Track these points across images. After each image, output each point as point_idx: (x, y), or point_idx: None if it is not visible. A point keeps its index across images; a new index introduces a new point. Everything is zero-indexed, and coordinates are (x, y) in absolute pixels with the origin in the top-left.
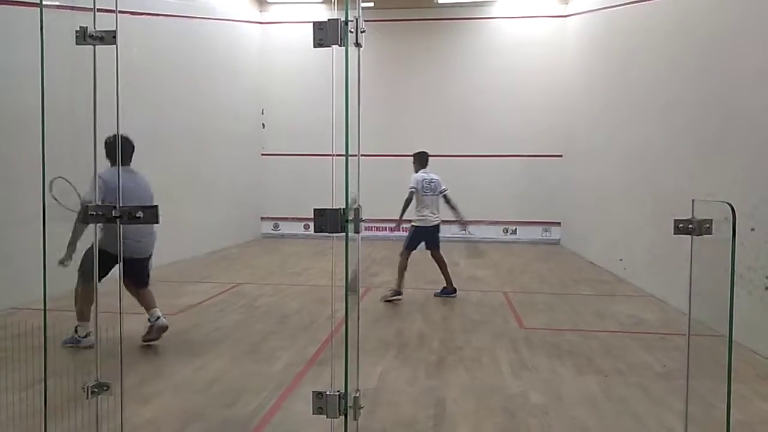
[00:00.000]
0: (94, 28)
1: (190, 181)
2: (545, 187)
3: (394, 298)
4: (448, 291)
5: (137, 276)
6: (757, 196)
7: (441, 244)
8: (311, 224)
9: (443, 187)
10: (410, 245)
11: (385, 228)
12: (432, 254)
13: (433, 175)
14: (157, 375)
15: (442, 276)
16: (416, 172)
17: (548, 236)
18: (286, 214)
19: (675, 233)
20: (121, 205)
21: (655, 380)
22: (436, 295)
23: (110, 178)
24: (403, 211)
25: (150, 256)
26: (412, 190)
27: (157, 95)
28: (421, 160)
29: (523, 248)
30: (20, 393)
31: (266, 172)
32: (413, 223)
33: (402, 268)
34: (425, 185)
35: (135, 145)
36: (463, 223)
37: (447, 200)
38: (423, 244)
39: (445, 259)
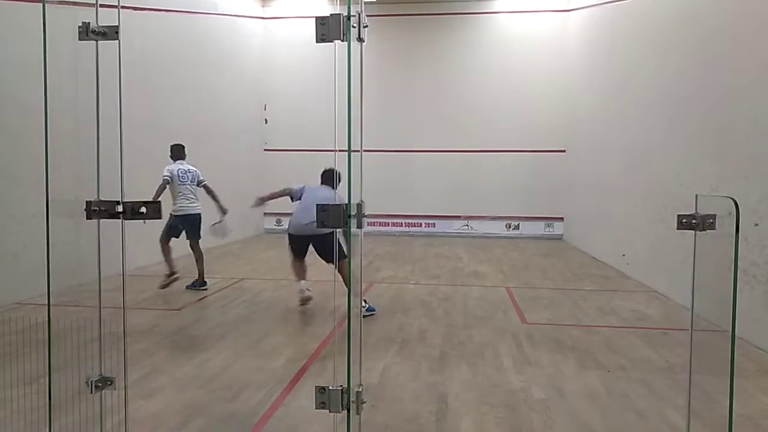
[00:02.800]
0: (97, 23)
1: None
2: (548, 183)
3: (170, 280)
4: (199, 283)
5: (321, 254)
6: (761, 191)
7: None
8: None
9: (201, 178)
10: (168, 233)
11: (388, 223)
12: (190, 245)
13: (189, 167)
14: (161, 370)
15: (197, 267)
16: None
17: (551, 231)
18: (288, 209)
19: (678, 228)
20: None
21: (657, 375)
22: (187, 287)
23: None
24: (156, 195)
25: (322, 236)
26: (166, 178)
27: (159, 91)
28: (176, 152)
29: (525, 243)
30: (25, 387)
31: (269, 167)
32: (171, 212)
33: (166, 253)
34: (180, 175)
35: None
36: (223, 212)
37: (208, 191)
38: (184, 233)
39: (203, 253)
